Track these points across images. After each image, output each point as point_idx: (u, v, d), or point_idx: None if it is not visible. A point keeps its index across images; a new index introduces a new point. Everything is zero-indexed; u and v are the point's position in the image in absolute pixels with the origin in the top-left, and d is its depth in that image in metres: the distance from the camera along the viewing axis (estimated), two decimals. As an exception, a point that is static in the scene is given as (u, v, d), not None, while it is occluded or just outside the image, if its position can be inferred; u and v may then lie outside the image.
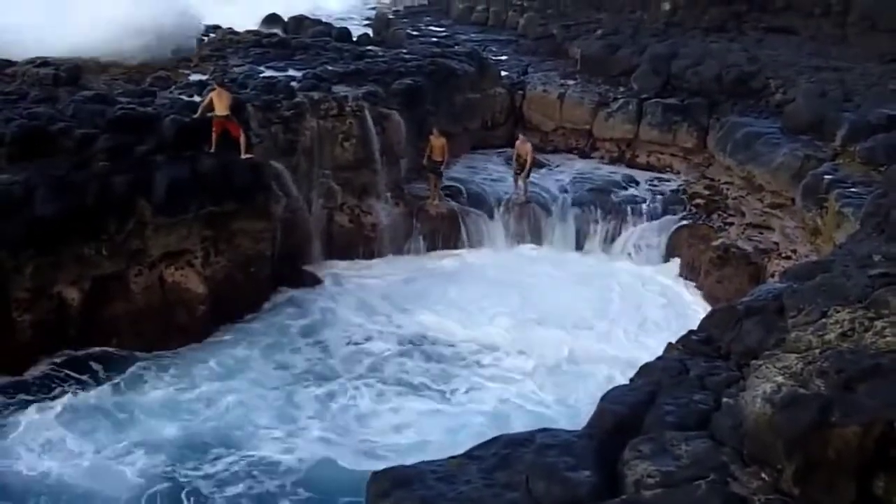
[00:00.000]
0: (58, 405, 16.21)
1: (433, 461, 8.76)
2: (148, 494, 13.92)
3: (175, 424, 15.89)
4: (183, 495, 13.99)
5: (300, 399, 16.94)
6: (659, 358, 10.03)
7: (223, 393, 16.95)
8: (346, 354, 18.65)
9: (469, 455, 8.50)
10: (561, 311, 20.00)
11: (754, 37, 32.52)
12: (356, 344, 19.09)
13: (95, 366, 17.71)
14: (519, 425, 15.52)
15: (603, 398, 9.00)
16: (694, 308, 20.36)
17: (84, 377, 17.34)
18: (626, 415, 8.57)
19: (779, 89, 25.82)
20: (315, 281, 21.79)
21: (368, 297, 21.16)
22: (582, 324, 19.74)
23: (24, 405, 16.17)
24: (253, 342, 19.03)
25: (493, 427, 15.58)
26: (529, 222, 24.38)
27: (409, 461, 14.22)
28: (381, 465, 14.16)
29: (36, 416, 15.83)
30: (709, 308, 19.18)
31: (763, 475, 7.26)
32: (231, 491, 14.17)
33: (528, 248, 24.16)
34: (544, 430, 8.79)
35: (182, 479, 14.31)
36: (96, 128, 19.02)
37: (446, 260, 23.46)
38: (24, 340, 17.37)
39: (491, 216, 24.34)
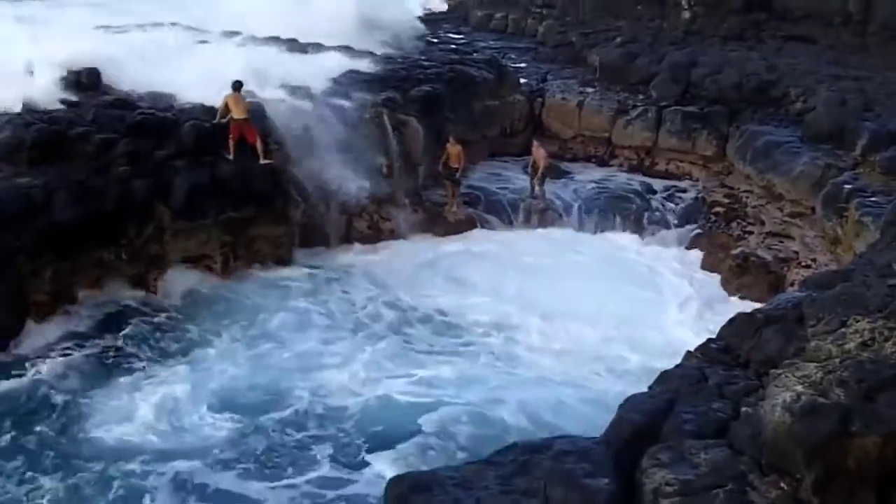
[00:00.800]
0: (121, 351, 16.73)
1: (451, 466, 8.78)
2: (222, 446, 14.10)
3: (232, 373, 16.21)
4: (256, 441, 14.30)
5: (340, 346, 17.39)
6: (678, 366, 10.00)
7: (275, 341, 17.45)
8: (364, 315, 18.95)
9: (487, 461, 8.52)
10: (580, 295, 19.76)
11: (773, 45, 32.35)
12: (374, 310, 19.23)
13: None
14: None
15: (621, 406, 8.98)
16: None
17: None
18: (645, 423, 8.55)
19: (799, 98, 25.68)
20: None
21: (384, 276, 21.03)
22: (602, 307, 19.38)
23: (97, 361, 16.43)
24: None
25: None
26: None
27: (465, 394, 15.32)
28: (435, 399, 15.23)
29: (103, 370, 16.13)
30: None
31: (782, 484, 7.23)
32: (300, 431, 14.55)
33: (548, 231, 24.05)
34: (562, 436, 8.80)
35: (253, 425, 14.58)
36: (116, 133, 19.12)
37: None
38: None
39: (510, 223, 24.28)
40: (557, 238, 23.57)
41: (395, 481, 8.37)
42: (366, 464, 13.73)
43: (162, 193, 18.76)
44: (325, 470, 13.62)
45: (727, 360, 9.85)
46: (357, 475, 13.50)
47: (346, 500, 12.92)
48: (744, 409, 8.25)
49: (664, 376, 9.71)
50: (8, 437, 13.98)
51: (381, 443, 14.19)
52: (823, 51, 31.08)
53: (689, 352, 10.41)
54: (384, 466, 13.41)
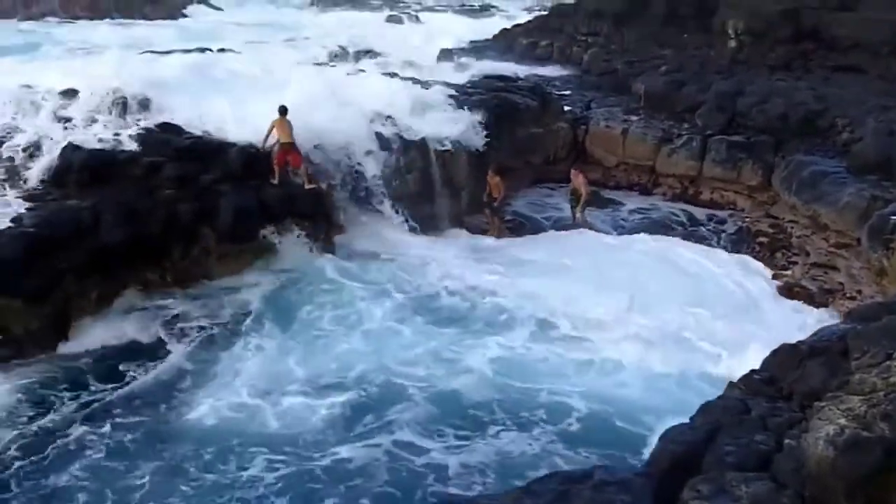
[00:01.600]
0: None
1: (489, 495, 8.76)
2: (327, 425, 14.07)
3: (302, 357, 16.20)
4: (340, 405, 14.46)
5: (414, 325, 17.45)
6: (720, 397, 9.94)
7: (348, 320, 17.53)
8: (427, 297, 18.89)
9: (526, 490, 8.49)
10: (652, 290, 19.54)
11: (821, 75, 32.13)
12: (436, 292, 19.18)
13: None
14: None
15: (662, 436, 8.95)
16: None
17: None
18: (686, 454, 8.50)
19: (846, 128, 25.44)
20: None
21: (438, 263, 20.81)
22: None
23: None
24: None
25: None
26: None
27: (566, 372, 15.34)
28: (516, 376, 15.25)
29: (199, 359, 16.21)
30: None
31: (824, 518, 7.17)
32: (389, 408, 14.48)
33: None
34: (602, 466, 8.76)
35: (336, 411, 14.44)
36: (163, 156, 19.38)
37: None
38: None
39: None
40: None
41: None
42: (467, 438, 13.54)
43: (208, 216, 18.96)
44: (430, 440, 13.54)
45: (770, 392, 9.77)
46: (453, 445, 13.38)
47: (430, 469, 12.70)
48: (787, 441, 8.18)
49: (706, 407, 9.65)
50: (110, 420, 14.08)
51: (478, 419, 14.06)
52: (872, 81, 30.76)
53: (731, 383, 10.35)
54: (481, 443, 13.38)
